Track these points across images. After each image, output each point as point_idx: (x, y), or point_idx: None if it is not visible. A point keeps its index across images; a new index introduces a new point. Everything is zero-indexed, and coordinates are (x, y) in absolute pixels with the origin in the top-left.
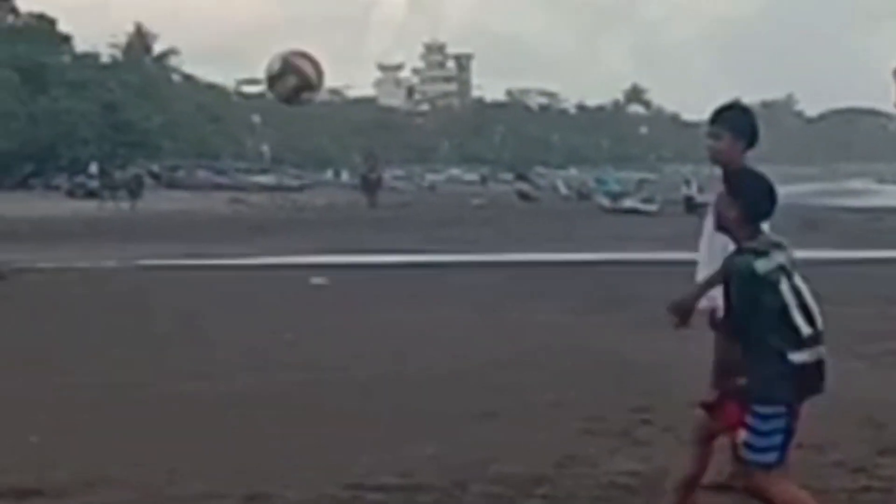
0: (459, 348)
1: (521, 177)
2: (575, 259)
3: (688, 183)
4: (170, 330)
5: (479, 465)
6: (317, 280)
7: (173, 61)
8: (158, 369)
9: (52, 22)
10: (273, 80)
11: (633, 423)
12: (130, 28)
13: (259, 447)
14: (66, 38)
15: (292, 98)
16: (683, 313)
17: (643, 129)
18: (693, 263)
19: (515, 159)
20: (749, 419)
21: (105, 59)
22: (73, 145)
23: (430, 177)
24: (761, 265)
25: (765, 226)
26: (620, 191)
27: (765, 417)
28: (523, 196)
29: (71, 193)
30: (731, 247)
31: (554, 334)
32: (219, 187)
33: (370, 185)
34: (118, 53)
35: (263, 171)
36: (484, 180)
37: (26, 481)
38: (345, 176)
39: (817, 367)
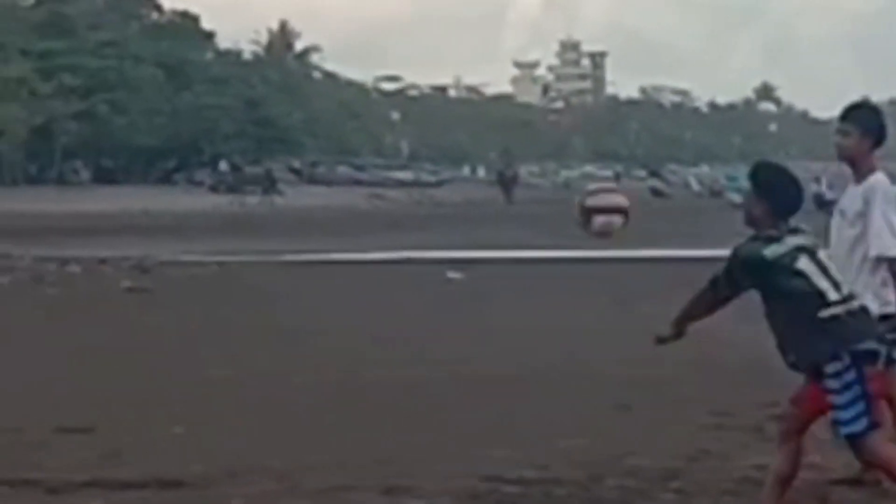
0: (593, 342)
1: (654, 174)
2: (707, 255)
3: (818, 180)
4: (308, 323)
5: (614, 459)
6: (453, 274)
7: (314, 58)
8: (296, 362)
9: (195, 19)
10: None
11: (763, 418)
12: (271, 25)
13: (397, 439)
14: (209, 35)
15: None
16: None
17: (773, 127)
18: None
19: (648, 156)
20: (829, 397)
21: (247, 55)
22: (214, 141)
23: (565, 173)
24: (771, 251)
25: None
26: None
27: (838, 390)
28: (656, 193)
29: (214, 189)
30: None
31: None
32: (358, 183)
33: (506, 182)
34: (260, 50)
35: (401, 168)
36: (617, 177)
37: (169, 472)
38: (481, 172)
39: (852, 315)
